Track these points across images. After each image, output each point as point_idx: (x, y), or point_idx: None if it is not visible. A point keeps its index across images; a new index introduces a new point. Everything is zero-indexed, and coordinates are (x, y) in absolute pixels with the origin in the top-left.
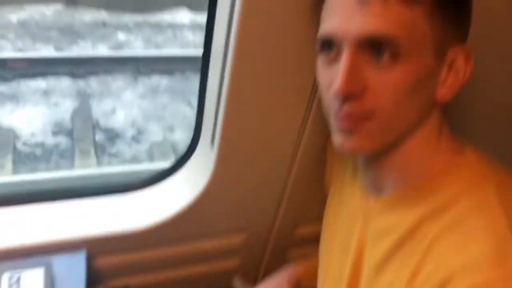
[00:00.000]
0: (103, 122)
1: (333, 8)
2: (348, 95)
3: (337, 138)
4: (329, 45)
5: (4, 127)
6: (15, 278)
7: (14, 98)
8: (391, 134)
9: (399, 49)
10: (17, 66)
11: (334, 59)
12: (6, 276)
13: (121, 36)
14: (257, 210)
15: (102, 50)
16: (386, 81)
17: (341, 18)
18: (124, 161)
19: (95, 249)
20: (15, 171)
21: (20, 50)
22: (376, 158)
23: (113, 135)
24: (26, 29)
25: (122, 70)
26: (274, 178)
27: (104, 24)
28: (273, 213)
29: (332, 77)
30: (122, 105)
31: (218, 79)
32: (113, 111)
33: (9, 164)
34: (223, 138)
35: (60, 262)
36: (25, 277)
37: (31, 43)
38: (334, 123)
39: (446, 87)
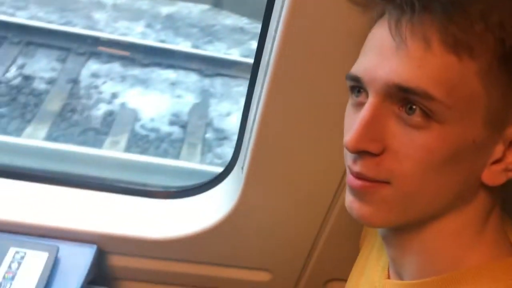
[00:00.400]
0: (216, 123)
1: (368, 46)
2: (360, 152)
3: (347, 198)
4: (357, 87)
5: (129, 107)
6: (20, 254)
7: (144, 83)
8: (413, 210)
9: (435, 108)
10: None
11: (361, 104)
12: (12, 250)
13: (254, 44)
14: (284, 254)
15: (234, 55)
16: (413, 145)
17: (372, 59)
18: (225, 163)
19: (110, 247)
20: (127, 149)
21: (162, 41)
22: (397, 234)
23: (222, 137)
24: (171, 23)
25: (246, 77)
26: (303, 225)
27: (241, 31)
28: (301, 263)
29: (353, 123)
30: (238, 110)
31: (254, 108)
32: (228, 114)
33: (123, 142)
34: (251, 166)
35: (68, 251)
36: (30, 256)
37: (172, 36)
38: (346, 178)
39: (499, 168)
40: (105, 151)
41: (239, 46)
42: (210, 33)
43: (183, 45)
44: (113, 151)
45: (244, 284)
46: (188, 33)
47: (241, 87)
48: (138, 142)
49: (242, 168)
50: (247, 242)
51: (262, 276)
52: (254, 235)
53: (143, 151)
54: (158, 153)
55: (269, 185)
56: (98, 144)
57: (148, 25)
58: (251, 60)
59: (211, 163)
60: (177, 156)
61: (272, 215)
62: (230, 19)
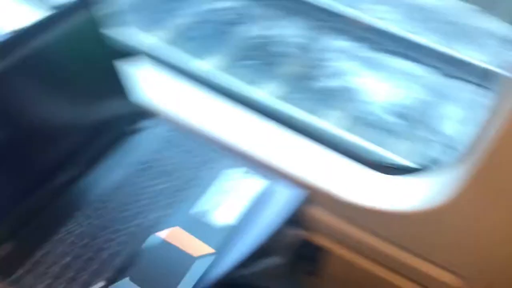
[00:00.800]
0: (441, 126)
1: None
2: None
3: None
4: None
5: (359, 88)
6: (238, 174)
7: (382, 69)
8: None
9: None
10: None
11: None
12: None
13: None
14: (488, 270)
15: (483, 62)
16: None
17: None
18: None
19: (318, 200)
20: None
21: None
22: None
23: (445, 142)
24: (423, 14)
25: (491, 89)
26: None
27: (504, 39)
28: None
29: None
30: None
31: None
32: (461, 121)
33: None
34: (483, 167)
35: (280, 189)
36: (246, 180)
37: (422, 29)
38: None
39: None
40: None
41: (495, 54)
42: (464, 33)
43: (430, 39)
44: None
45: (431, 281)
46: (438, 29)
47: (484, 97)
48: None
49: (469, 164)
50: (451, 240)
51: (452, 281)
52: (462, 236)
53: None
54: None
55: (498, 193)
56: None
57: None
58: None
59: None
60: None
61: (491, 224)
62: (494, 24)
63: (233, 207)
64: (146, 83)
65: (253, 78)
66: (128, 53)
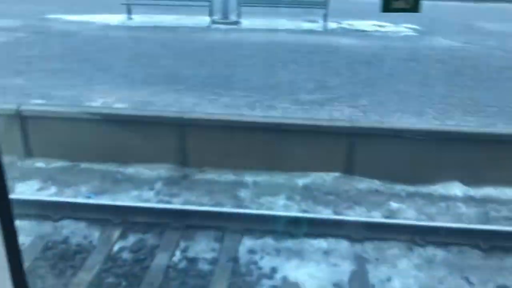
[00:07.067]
0: None
1: None
2: None
3: None
4: None
5: (291, 281)
6: None
7: (299, 255)
8: None
9: None
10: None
11: None
12: None
13: (393, 205)
14: None
15: (376, 217)
16: None
17: None
18: None
19: None
20: None
21: (304, 211)
22: None
23: None
24: (309, 193)
25: (396, 239)
26: None
27: (377, 192)
28: None
29: None
30: (397, 273)
31: None
32: (389, 279)
33: None
34: None
35: None
36: None
37: (313, 205)
38: None
39: None
40: None
41: (379, 208)
42: (347, 199)
43: (326, 213)
44: None
45: None
46: (327, 201)
47: (395, 250)
48: None
49: None
50: None
51: None
52: None
53: None
54: None
55: None
56: None
57: (289, 198)
58: (395, 221)
59: None
60: None
61: None
62: (363, 183)
63: None
64: None
65: None
66: None
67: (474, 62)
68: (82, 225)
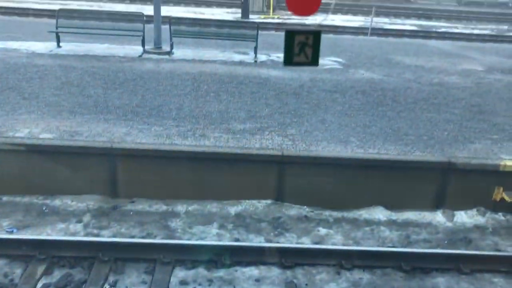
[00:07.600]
0: None
1: None
2: None
3: None
4: None
5: None
6: None
7: (232, 283)
8: None
9: None
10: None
11: None
12: None
13: (322, 230)
14: None
15: (306, 243)
16: None
17: None
18: None
19: None
20: None
21: (236, 239)
22: None
23: None
24: (241, 221)
25: (325, 264)
26: None
27: (306, 219)
28: None
29: None
30: None
31: None
32: None
33: None
34: None
35: None
36: None
37: (245, 233)
38: None
39: None
40: None
41: (308, 234)
42: (278, 225)
43: (257, 241)
44: None
45: None
46: (259, 228)
47: (324, 274)
48: None
49: None
50: None
51: None
52: None
53: None
54: None
55: None
56: None
57: (221, 226)
58: (324, 246)
59: None
60: None
61: None
62: (293, 210)
63: None
64: None
65: None
66: None
67: (393, 93)
68: (2, 262)
